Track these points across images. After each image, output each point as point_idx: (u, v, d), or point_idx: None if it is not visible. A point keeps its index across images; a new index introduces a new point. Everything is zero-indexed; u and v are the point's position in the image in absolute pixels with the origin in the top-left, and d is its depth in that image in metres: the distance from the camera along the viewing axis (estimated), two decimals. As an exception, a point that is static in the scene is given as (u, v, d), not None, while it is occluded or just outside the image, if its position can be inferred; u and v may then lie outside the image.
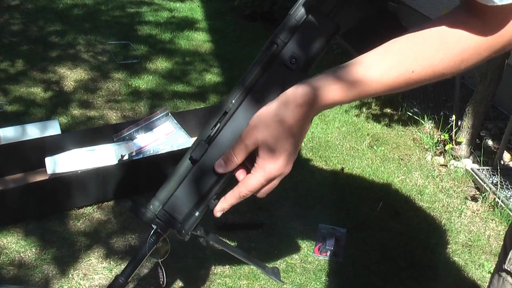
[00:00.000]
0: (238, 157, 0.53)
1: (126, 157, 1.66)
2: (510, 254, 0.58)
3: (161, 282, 0.64)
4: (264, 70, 0.56)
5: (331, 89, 0.50)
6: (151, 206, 0.58)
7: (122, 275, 0.60)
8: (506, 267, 0.58)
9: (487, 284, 0.61)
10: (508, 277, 0.58)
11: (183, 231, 0.57)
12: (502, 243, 1.36)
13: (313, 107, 0.50)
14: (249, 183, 0.53)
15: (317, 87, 0.50)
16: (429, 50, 0.49)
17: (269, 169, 0.52)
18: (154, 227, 0.58)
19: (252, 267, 1.31)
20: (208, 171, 0.56)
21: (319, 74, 0.52)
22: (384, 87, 0.50)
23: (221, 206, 0.56)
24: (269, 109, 0.51)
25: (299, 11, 0.55)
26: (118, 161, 1.60)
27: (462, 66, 0.50)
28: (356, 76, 0.50)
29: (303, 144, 1.95)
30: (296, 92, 0.50)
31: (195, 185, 0.57)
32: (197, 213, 0.57)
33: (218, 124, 0.55)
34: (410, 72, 0.49)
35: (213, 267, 1.30)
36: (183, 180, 0.58)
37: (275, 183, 0.54)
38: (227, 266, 1.30)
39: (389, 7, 3.03)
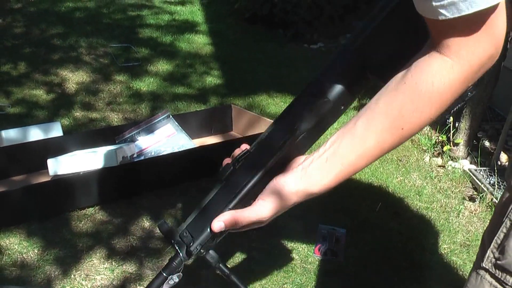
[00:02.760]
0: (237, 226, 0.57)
1: (127, 159, 1.67)
2: (488, 252, 0.59)
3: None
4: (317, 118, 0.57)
5: (323, 185, 0.55)
6: (180, 230, 0.59)
7: None
8: (484, 265, 0.59)
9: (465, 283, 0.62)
10: (486, 275, 0.59)
11: (190, 250, 0.57)
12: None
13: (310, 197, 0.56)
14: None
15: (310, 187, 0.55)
16: (411, 107, 0.50)
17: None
18: (177, 249, 0.58)
19: (252, 267, 1.32)
20: (227, 194, 0.57)
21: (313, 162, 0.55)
22: (381, 152, 0.53)
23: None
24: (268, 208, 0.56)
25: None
26: (120, 162, 1.61)
27: (443, 107, 0.50)
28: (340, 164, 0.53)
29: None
30: (295, 194, 0.55)
31: (213, 206, 0.58)
32: (204, 234, 0.58)
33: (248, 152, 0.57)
34: (401, 130, 0.51)
35: (212, 267, 1.32)
36: (208, 201, 0.59)
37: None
38: (228, 267, 1.31)
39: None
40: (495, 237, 0.58)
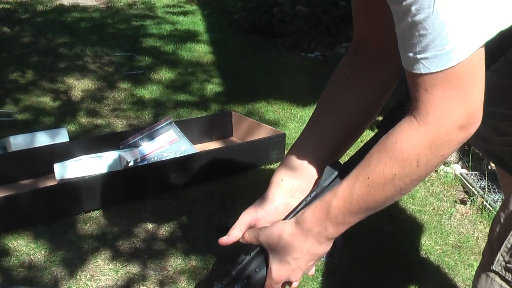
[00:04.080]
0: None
1: (131, 164, 1.71)
2: (498, 255, 0.60)
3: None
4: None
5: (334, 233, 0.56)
6: None
7: None
8: (494, 268, 0.60)
9: (473, 283, 0.64)
10: (497, 278, 0.60)
11: None
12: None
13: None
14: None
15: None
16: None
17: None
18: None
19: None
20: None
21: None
22: (349, 196, 0.53)
23: None
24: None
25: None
26: (124, 167, 1.64)
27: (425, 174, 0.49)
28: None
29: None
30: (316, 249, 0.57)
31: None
32: None
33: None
34: (367, 178, 0.51)
35: (215, 268, 1.34)
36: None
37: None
38: (229, 267, 1.34)
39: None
40: (505, 241, 0.59)
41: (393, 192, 0.51)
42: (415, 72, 0.45)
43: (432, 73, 0.44)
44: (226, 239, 0.63)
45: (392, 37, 0.50)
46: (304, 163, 0.63)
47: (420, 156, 0.48)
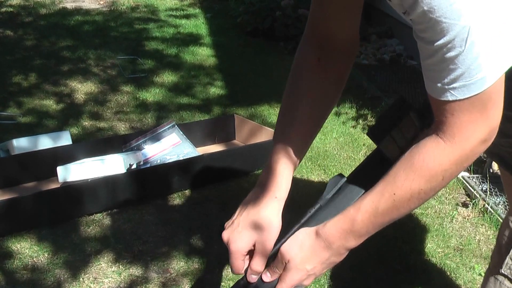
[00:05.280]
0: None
1: (134, 167, 1.71)
2: (507, 259, 0.61)
3: None
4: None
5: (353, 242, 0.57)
6: None
7: None
8: (503, 271, 0.61)
9: (480, 285, 0.65)
10: (505, 281, 0.61)
11: None
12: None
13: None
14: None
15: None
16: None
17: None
18: None
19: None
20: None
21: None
22: (375, 211, 0.55)
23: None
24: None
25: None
26: (127, 170, 1.65)
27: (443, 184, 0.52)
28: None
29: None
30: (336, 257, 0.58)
31: None
32: None
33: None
34: (393, 194, 0.53)
35: (217, 271, 1.34)
36: None
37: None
38: (231, 270, 1.35)
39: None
40: None
41: (416, 204, 0.54)
42: (442, 99, 0.48)
43: (459, 100, 0.47)
44: (238, 272, 0.63)
45: (355, 29, 0.55)
46: (286, 170, 0.62)
47: (446, 172, 0.51)
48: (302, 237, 0.58)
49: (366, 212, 0.55)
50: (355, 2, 0.61)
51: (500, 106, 0.49)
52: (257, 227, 0.60)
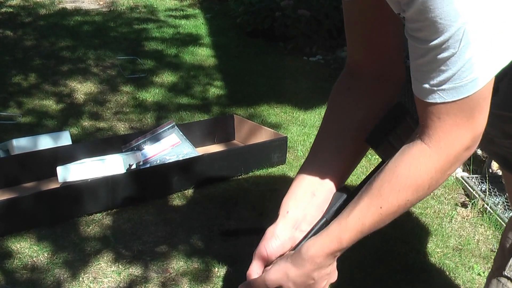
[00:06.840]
0: None
1: (134, 167, 1.72)
2: (510, 261, 0.61)
3: None
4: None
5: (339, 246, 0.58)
6: None
7: None
8: (506, 274, 0.61)
9: (479, 285, 0.66)
10: (508, 283, 0.61)
11: None
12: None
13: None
14: None
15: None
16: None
17: None
18: None
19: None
20: None
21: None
22: (362, 227, 0.56)
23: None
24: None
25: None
26: (126, 170, 1.65)
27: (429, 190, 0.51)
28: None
29: (302, 153, 2.02)
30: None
31: None
32: None
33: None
34: (379, 208, 0.53)
35: (216, 270, 1.34)
36: None
37: None
38: (231, 270, 1.35)
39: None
40: None
41: (402, 213, 0.55)
42: (429, 101, 0.47)
43: (447, 102, 0.46)
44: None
45: (388, 58, 0.52)
46: (308, 193, 0.63)
47: (432, 180, 0.51)
48: (284, 267, 0.59)
49: (353, 230, 0.55)
50: (374, 29, 0.59)
51: (486, 114, 0.48)
52: (268, 238, 0.63)
